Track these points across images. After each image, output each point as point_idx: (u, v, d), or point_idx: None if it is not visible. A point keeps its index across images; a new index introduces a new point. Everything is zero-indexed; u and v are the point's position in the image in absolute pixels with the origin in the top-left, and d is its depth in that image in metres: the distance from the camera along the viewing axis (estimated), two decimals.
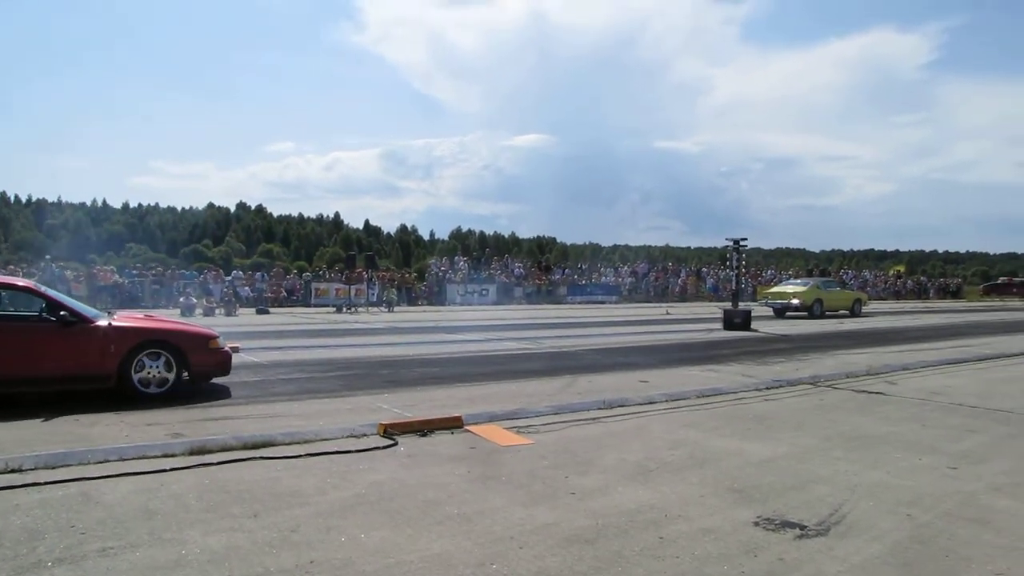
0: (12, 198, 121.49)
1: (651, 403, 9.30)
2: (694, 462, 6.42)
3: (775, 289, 33.03)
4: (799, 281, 34.67)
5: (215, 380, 10.00)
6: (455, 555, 4.22)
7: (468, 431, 7.42)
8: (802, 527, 4.75)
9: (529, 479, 5.81)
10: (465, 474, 5.92)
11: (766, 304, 30.87)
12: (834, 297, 31.75)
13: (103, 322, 9.16)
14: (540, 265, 50.83)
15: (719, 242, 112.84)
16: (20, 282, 10.19)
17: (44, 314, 8.87)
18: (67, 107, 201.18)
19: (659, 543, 4.45)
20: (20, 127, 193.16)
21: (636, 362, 13.68)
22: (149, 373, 9.11)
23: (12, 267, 35.30)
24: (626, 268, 53.60)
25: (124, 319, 9.77)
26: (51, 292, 9.60)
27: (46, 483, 5.42)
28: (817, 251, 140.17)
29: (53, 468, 5.81)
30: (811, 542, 4.51)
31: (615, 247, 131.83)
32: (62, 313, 8.89)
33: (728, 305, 24.82)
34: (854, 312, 31.56)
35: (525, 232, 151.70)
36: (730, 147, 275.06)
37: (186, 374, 9.38)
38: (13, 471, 5.67)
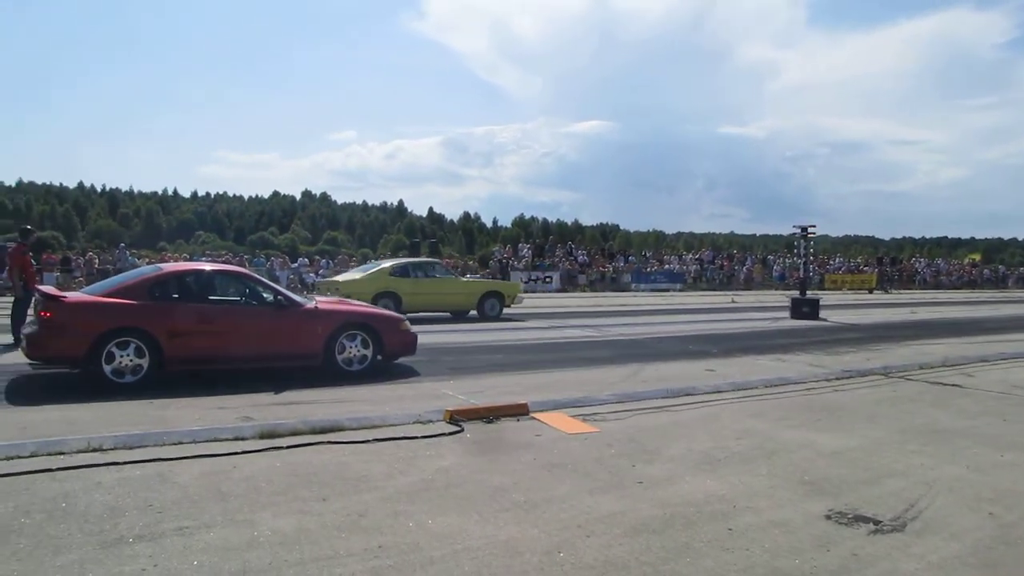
0: (88, 188, 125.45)
1: (718, 392, 9.18)
2: (762, 453, 6.31)
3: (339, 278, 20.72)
4: (368, 266, 22.43)
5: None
6: (522, 542, 4.22)
7: (534, 418, 7.41)
8: (876, 522, 4.63)
9: (595, 467, 5.78)
10: (531, 461, 5.92)
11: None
12: (429, 289, 19.30)
13: (311, 306, 10.04)
14: (603, 252, 50.49)
15: (785, 229, 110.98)
16: (238, 270, 11.43)
17: (265, 299, 9.89)
18: (137, 98, 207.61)
19: (728, 534, 4.39)
20: (94, 118, 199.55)
21: (702, 351, 13.52)
22: (350, 353, 10.00)
23: (90, 254, 36.50)
24: (690, 256, 53.02)
25: (327, 303, 10.62)
26: (264, 279, 10.64)
27: (125, 463, 5.57)
28: (887, 239, 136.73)
29: (131, 448, 5.98)
30: (886, 538, 4.39)
31: (679, 234, 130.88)
32: (279, 298, 9.89)
33: (795, 293, 24.36)
34: (486, 312, 19.97)
35: (588, 219, 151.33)
36: (796, 132, 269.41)
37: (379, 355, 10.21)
38: (95, 450, 5.86)
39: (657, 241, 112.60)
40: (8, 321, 12.78)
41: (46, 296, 9.16)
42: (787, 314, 22.03)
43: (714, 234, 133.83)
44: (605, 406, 8.14)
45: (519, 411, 7.55)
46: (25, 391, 8.72)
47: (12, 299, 13.25)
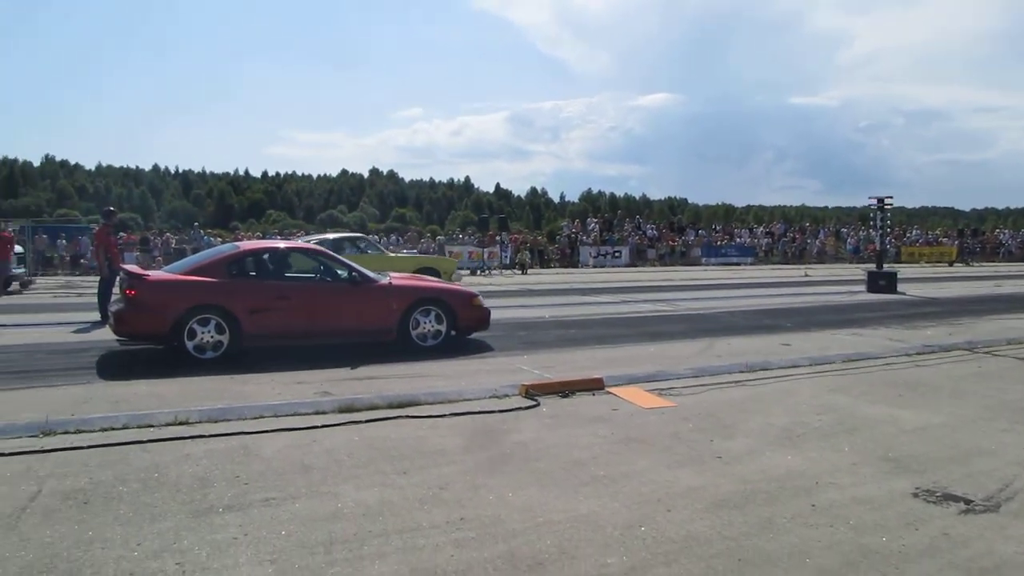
0: (163, 170, 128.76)
1: (794, 367, 9.03)
2: (843, 428, 6.20)
3: None
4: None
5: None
6: (603, 516, 4.23)
7: (609, 393, 7.40)
8: (967, 501, 4.50)
9: (673, 442, 5.76)
10: (608, 436, 5.92)
11: None
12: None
13: (385, 282, 10.23)
14: (672, 226, 49.90)
15: (858, 201, 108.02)
16: (313, 247, 11.56)
17: (339, 275, 10.07)
18: (207, 80, 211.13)
19: (811, 511, 4.33)
20: (166, 101, 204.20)
21: (776, 325, 13.30)
22: (424, 328, 10.10)
23: (168, 234, 37.57)
24: (761, 229, 52.04)
25: (401, 279, 10.82)
26: (338, 256, 10.88)
27: (211, 435, 5.77)
28: (967, 209, 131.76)
29: (216, 422, 6.18)
30: (979, 518, 4.27)
31: (748, 207, 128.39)
32: (353, 275, 10.02)
33: (871, 266, 23.74)
34: None
35: (655, 193, 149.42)
36: (869, 100, 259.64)
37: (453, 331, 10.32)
38: (182, 423, 6.08)
39: (726, 214, 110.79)
40: (95, 300, 13.26)
41: (130, 275, 9.46)
42: (863, 288, 21.48)
43: (785, 206, 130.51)
44: (680, 380, 8.09)
45: (594, 385, 7.55)
46: (115, 366, 9.07)
47: (98, 278, 13.74)
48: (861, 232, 48.45)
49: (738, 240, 46.11)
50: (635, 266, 38.26)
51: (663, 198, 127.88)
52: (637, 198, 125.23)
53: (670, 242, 43.21)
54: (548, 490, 4.66)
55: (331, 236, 21.09)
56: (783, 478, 4.91)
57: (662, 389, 7.60)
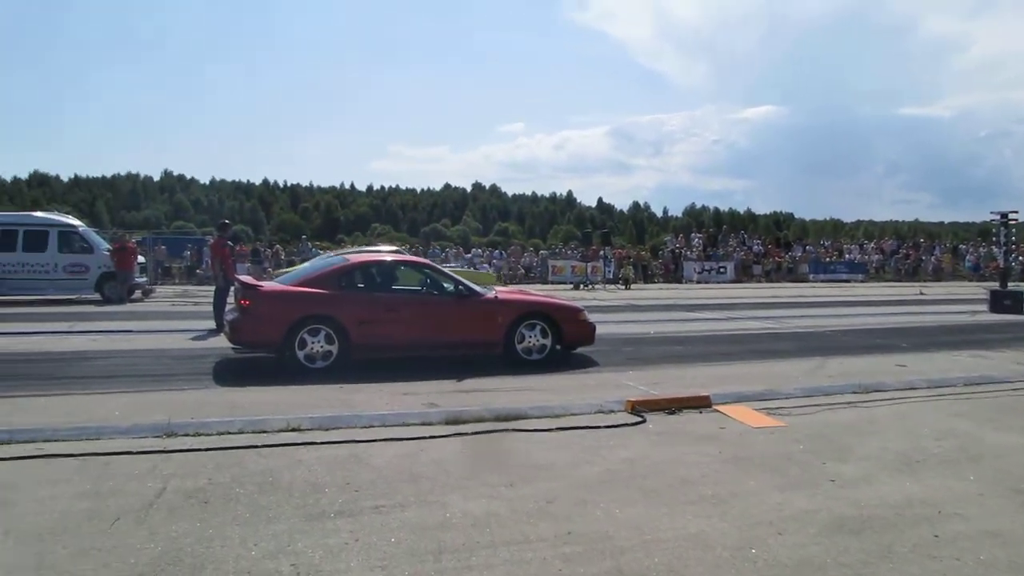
0: (272, 183, 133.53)
1: (911, 389, 8.68)
2: (967, 456, 5.92)
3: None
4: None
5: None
6: (712, 536, 4.16)
7: (717, 411, 7.29)
8: None
9: (784, 463, 5.62)
10: (717, 454, 5.82)
11: None
12: None
13: (491, 295, 10.41)
14: (779, 241, 48.73)
15: (977, 216, 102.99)
16: (420, 260, 12.12)
17: (446, 288, 10.27)
18: (313, 96, 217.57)
19: (934, 541, 4.15)
20: (277, 117, 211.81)
21: (890, 345, 12.81)
22: (529, 342, 10.17)
23: (277, 246, 38.89)
24: (872, 244, 50.24)
25: (507, 293, 11.11)
26: (444, 269, 11.16)
27: (322, 443, 5.96)
28: None
29: (326, 430, 6.37)
30: None
31: (858, 222, 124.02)
32: (460, 288, 10.23)
33: (995, 285, 22.64)
34: None
35: (761, 208, 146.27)
36: (989, 109, 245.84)
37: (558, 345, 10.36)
38: (294, 430, 6.30)
39: (835, 230, 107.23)
40: (211, 308, 13.86)
41: (245, 285, 9.87)
42: (985, 307, 20.44)
43: (897, 222, 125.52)
44: (790, 400, 7.89)
45: (701, 403, 7.45)
46: (230, 373, 9.49)
47: (213, 288, 14.35)
48: (982, 248, 46.09)
49: (847, 256, 44.66)
50: (740, 282, 37.53)
51: (769, 213, 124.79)
52: (742, 212, 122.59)
53: (776, 258, 42.21)
54: (656, 507, 4.62)
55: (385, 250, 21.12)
56: (902, 505, 4.72)
57: (771, 408, 7.43)
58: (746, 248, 42.79)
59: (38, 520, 4.27)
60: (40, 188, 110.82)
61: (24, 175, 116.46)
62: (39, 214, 23.56)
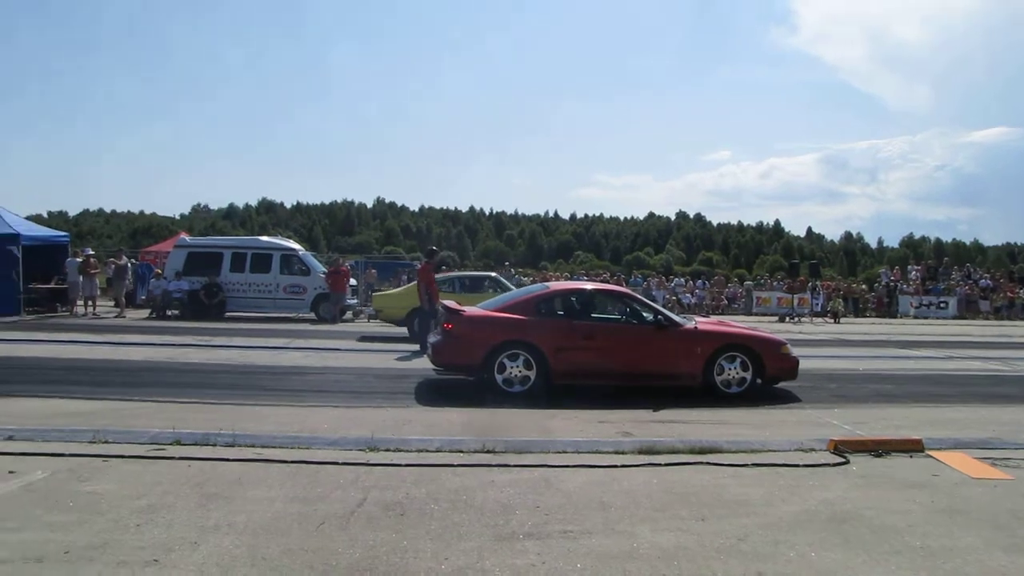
0: (478, 211, 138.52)
1: None
2: None
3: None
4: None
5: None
6: None
7: (930, 456, 6.74)
8: None
9: (1009, 520, 5.09)
10: (928, 504, 5.39)
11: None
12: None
13: (690, 326, 10.32)
14: (1012, 276, 44.57)
15: None
16: (619, 289, 12.56)
17: (645, 318, 10.30)
18: (519, 126, 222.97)
19: None
20: (485, 146, 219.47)
21: None
22: (728, 374, 9.96)
23: (466, 267, 40.07)
24: None
25: (707, 324, 10.99)
26: (644, 299, 11.19)
27: (515, 465, 6.08)
28: None
29: (520, 453, 6.50)
30: None
31: None
32: (659, 318, 10.29)
33: None
34: None
35: (990, 239, 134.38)
36: None
37: (759, 379, 10.08)
38: (488, 451, 6.49)
39: None
40: (417, 331, 14.58)
41: (448, 310, 10.29)
42: None
43: None
44: (1018, 451, 7.13)
45: (912, 447, 6.92)
46: (430, 393, 10.00)
47: (419, 310, 15.04)
48: None
49: None
50: (964, 318, 34.54)
51: (1000, 244, 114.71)
52: (968, 244, 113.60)
53: (1008, 293, 38.52)
54: (855, 554, 4.34)
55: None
56: None
57: (995, 459, 6.75)
58: (971, 282, 39.41)
59: (253, 517, 4.70)
60: (268, 214, 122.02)
61: (254, 202, 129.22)
62: (265, 238, 25.97)
